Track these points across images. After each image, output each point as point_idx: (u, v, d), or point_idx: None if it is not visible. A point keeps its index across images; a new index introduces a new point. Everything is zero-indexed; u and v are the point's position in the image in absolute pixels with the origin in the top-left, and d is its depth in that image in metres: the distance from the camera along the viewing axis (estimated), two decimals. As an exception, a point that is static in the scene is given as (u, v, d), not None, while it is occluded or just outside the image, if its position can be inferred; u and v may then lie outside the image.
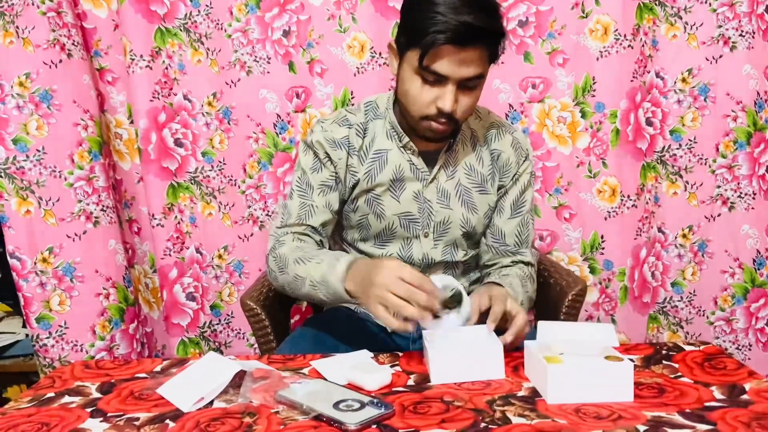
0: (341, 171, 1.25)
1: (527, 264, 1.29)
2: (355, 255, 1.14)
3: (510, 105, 1.72)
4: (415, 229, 1.26)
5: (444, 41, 1.03)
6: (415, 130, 1.19)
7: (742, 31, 1.60)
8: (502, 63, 1.67)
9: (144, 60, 1.69)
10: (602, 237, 1.77)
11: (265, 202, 1.80)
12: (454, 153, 1.25)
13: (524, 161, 1.29)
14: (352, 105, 1.45)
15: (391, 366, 1.01)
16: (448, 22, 1.02)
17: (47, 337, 1.64)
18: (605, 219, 1.76)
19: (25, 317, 1.65)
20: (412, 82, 1.11)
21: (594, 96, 1.70)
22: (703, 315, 1.74)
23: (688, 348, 1.04)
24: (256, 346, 1.52)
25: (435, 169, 1.24)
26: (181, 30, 1.71)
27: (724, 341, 1.74)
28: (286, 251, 1.18)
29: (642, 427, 0.78)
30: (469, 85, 1.10)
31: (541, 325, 1.01)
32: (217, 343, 1.88)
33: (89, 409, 0.91)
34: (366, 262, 1.06)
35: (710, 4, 1.60)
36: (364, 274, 1.02)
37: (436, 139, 1.19)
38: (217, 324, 1.87)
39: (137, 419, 0.87)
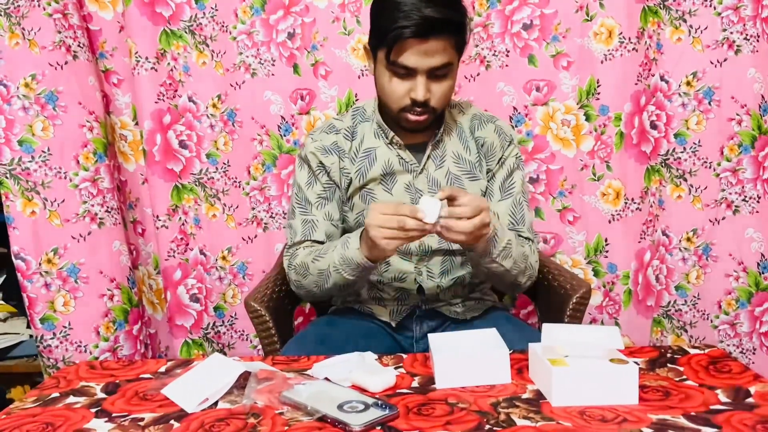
0: (336, 176, 1.31)
1: (526, 239, 1.29)
2: (357, 231, 1.18)
3: (514, 108, 1.72)
4: None
5: (407, 35, 1.10)
6: (398, 124, 1.24)
7: (747, 35, 1.60)
8: (507, 66, 1.69)
9: (149, 62, 1.70)
10: (606, 240, 1.77)
11: (269, 204, 1.80)
12: (442, 144, 1.30)
13: (508, 145, 1.32)
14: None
15: (395, 368, 1.01)
16: (409, 17, 1.09)
17: (51, 338, 1.65)
18: (609, 222, 1.76)
19: (29, 318, 1.65)
20: (385, 78, 1.19)
21: (598, 99, 1.70)
22: (708, 319, 1.74)
23: (693, 351, 1.04)
24: (259, 347, 1.52)
25: (423, 160, 1.28)
26: (186, 32, 1.71)
27: (728, 345, 1.74)
28: (301, 258, 1.26)
29: (647, 430, 0.78)
30: (439, 74, 1.16)
31: (546, 327, 1.01)
32: (220, 345, 1.88)
33: (94, 410, 0.92)
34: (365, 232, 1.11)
35: (715, 8, 1.60)
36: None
37: (419, 129, 1.24)
38: (221, 325, 1.87)
39: (142, 419, 0.87)
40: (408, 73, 1.15)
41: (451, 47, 1.15)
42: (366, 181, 1.29)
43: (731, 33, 1.60)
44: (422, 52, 1.12)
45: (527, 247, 1.25)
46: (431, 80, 1.16)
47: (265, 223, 1.81)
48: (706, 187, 1.68)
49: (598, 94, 1.69)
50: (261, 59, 1.73)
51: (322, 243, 1.29)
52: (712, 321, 1.74)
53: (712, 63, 1.62)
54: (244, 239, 1.82)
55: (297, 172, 1.35)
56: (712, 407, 0.84)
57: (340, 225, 1.33)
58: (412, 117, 1.20)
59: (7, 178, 1.59)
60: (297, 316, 1.81)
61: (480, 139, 1.31)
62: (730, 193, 1.68)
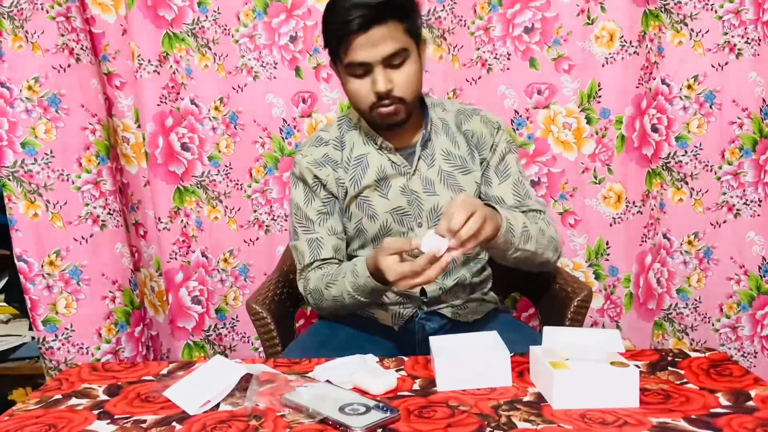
0: (333, 188, 1.31)
1: (536, 211, 1.28)
2: (361, 258, 1.20)
3: (515, 111, 1.72)
4: (409, 222, 1.29)
5: (350, 30, 1.12)
6: (375, 125, 1.25)
7: (748, 38, 1.60)
8: (508, 69, 1.70)
9: (152, 65, 1.70)
10: (607, 243, 1.77)
11: (271, 207, 1.80)
12: (430, 143, 1.30)
13: (497, 132, 1.32)
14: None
15: (397, 370, 1.02)
16: (344, 14, 1.13)
17: (53, 340, 1.65)
18: (610, 225, 1.76)
19: (31, 320, 1.66)
20: (348, 83, 1.21)
21: (599, 102, 1.70)
22: (709, 322, 1.74)
23: (693, 354, 1.04)
24: (261, 350, 1.52)
25: (414, 161, 1.28)
26: (188, 35, 1.72)
27: (730, 348, 1.74)
28: (314, 284, 1.26)
29: (647, 433, 0.78)
30: (395, 63, 1.17)
31: (547, 330, 1.01)
32: (222, 347, 1.88)
33: (96, 411, 0.92)
34: (371, 258, 1.13)
35: (716, 12, 1.60)
36: (376, 267, 1.10)
37: (397, 124, 1.23)
38: (222, 327, 1.87)
39: (144, 422, 0.88)
40: (365, 70, 1.16)
41: (400, 32, 1.15)
42: (361, 189, 1.28)
43: (732, 36, 1.60)
44: (369, 44, 1.13)
45: (541, 221, 1.24)
46: (389, 69, 1.16)
47: (267, 226, 1.82)
48: (707, 191, 1.68)
49: (600, 97, 1.70)
50: (263, 62, 1.73)
51: (331, 259, 1.29)
52: (713, 324, 1.74)
53: (713, 66, 1.62)
54: (245, 241, 1.83)
55: (293, 192, 1.34)
56: (712, 410, 0.84)
57: (345, 237, 1.33)
58: (383, 111, 1.19)
59: (9, 180, 1.59)
60: (298, 319, 1.81)
61: (468, 132, 1.31)
62: (732, 197, 1.68)
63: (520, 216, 1.17)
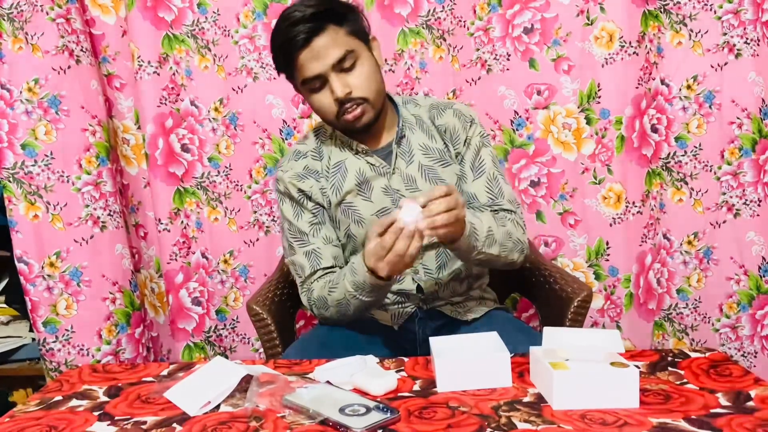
0: (318, 198, 1.31)
1: (507, 211, 1.28)
2: (359, 254, 1.18)
3: (515, 111, 1.72)
4: None
5: (295, 48, 1.15)
6: (347, 130, 1.26)
7: (747, 39, 1.60)
8: (508, 70, 1.70)
9: (152, 66, 1.70)
10: (607, 243, 1.77)
11: (271, 207, 1.81)
12: (406, 141, 1.30)
13: (470, 126, 1.32)
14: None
15: (397, 371, 1.02)
16: (283, 37, 1.16)
17: (54, 341, 1.65)
18: (610, 225, 1.76)
19: (32, 321, 1.66)
20: (311, 99, 1.23)
21: (599, 103, 1.70)
22: (709, 322, 1.74)
23: (693, 355, 1.04)
24: (261, 351, 1.52)
25: (393, 160, 1.28)
26: (188, 36, 1.72)
27: (730, 348, 1.74)
28: (318, 293, 1.25)
29: (648, 434, 0.78)
30: (346, 67, 1.18)
31: (547, 331, 1.01)
32: (222, 348, 1.88)
33: (97, 413, 0.92)
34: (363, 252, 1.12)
35: (715, 12, 1.60)
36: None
37: (369, 124, 1.24)
38: (223, 329, 1.87)
39: (144, 423, 0.88)
40: (321, 82, 1.18)
41: (342, 36, 1.17)
42: (343, 195, 1.28)
43: (732, 37, 1.61)
44: (315, 56, 1.15)
45: (509, 223, 1.23)
46: (343, 74, 1.18)
47: (267, 227, 1.82)
48: (707, 191, 1.68)
49: (599, 97, 1.70)
50: (263, 63, 1.73)
51: (332, 268, 1.28)
52: (713, 324, 1.74)
53: (712, 67, 1.62)
54: (245, 242, 1.83)
55: (282, 209, 1.34)
56: (712, 411, 0.84)
57: (340, 244, 1.32)
58: (349, 116, 1.20)
59: (10, 181, 1.59)
60: (299, 320, 1.81)
61: (441, 126, 1.31)
62: (731, 197, 1.68)
63: (487, 219, 1.17)
